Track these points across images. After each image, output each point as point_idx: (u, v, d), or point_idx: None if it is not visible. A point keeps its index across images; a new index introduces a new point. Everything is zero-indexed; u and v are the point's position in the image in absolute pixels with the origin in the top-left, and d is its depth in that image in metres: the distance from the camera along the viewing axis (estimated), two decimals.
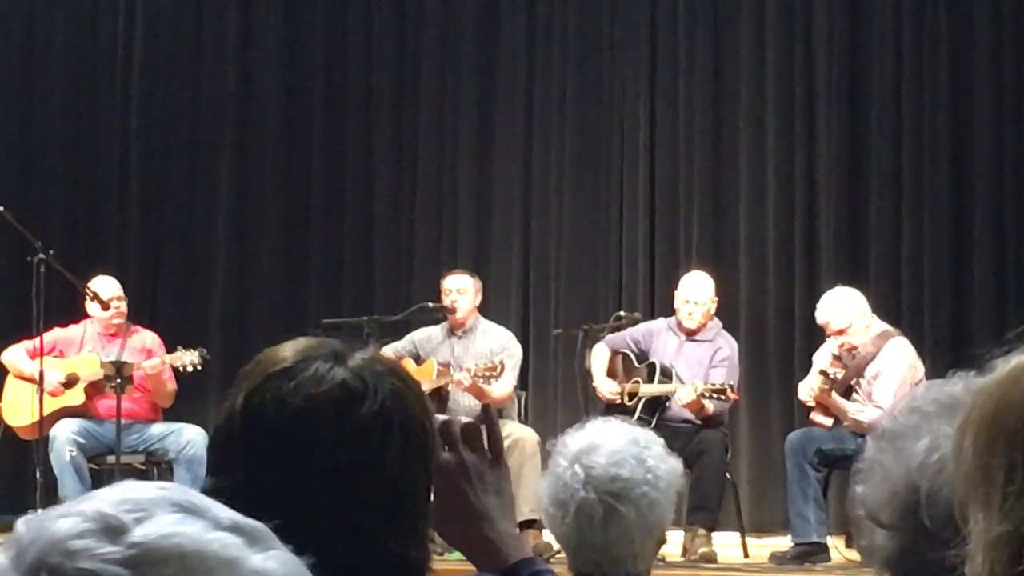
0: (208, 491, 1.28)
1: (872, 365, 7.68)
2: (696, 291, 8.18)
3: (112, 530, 0.89)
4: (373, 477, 1.71)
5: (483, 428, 1.99)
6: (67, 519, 0.90)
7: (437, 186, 10.32)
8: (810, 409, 7.84)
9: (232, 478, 1.68)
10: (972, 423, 1.13)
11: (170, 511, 0.90)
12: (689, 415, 7.91)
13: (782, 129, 9.60)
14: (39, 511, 0.90)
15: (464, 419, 1.99)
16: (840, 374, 7.69)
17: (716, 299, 8.23)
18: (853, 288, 7.93)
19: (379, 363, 1.79)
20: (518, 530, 2.10)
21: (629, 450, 2.85)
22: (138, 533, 0.89)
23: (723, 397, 7.74)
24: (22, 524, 0.91)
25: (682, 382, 7.92)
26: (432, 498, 1.89)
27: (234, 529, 0.91)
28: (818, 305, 7.89)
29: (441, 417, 1.99)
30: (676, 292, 8.28)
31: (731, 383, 7.83)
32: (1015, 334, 1.20)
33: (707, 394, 7.74)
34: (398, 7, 10.46)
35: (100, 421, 8.23)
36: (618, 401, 8.07)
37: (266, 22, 10.63)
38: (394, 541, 1.70)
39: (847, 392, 7.73)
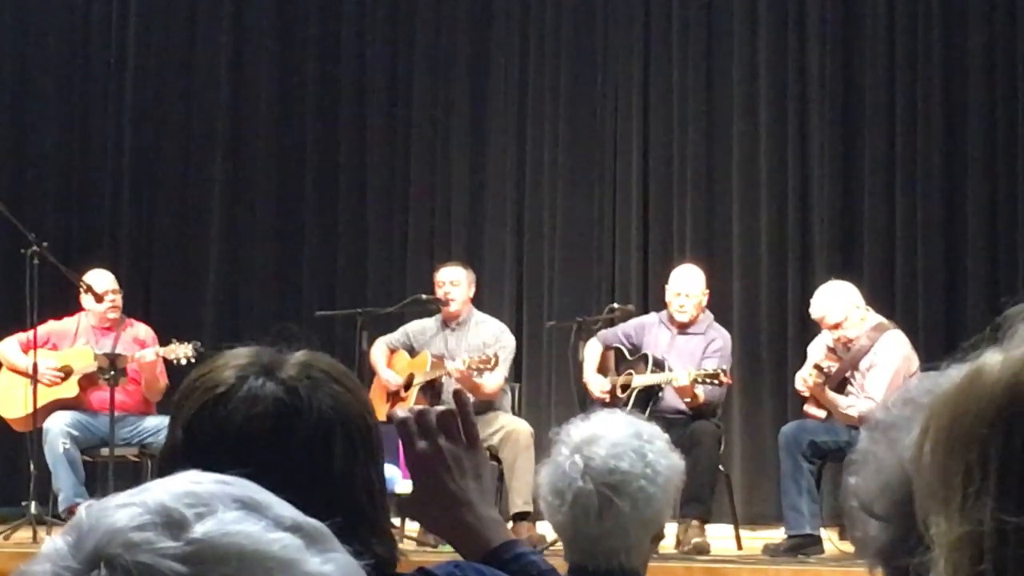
0: None
1: (867, 358, 7.67)
2: (687, 284, 8.16)
3: (173, 524, 0.88)
4: (322, 486, 1.71)
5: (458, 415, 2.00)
6: (128, 509, 0.89)
7: (431, 178, 10.31)
8: (804, 401, 7.84)
9: None
10: (931, 430, 1.14)
11: (232, 508, 0.90)
12: (682, 405, 7.90)
13: (775, 120, 9.59)
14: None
15: (439, 408, 2.00)
16: (834, 368, 7.68)
17: (707, 291, 8.21)
18: (846, 281, 7.92)
19: (313, 368, 1.78)
20: (499, 514, 2.11)
21: (630, 443, 2.85)
22: (199, 529, 0.88)
23: (716, 382, 7.72)
24: (83, 510, 0.91)
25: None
26: (412, 486, 1.89)
27: (295, 529, 0.91)
28: (812, 300, 7.88)
29: (417, 407, 2.00)
30: (667, 286, 8.25)
31: (723, 367, 7.81)
32: (969, 344, 1.21)
33: (700, 379, 7.72)
34: None
35: (94, 413, 8.21)
36: (608, 400, 8.02)
37: (260, 9, 10.62)
38: (354, 543, 1.70)
39: (842, 384, 7.72)
